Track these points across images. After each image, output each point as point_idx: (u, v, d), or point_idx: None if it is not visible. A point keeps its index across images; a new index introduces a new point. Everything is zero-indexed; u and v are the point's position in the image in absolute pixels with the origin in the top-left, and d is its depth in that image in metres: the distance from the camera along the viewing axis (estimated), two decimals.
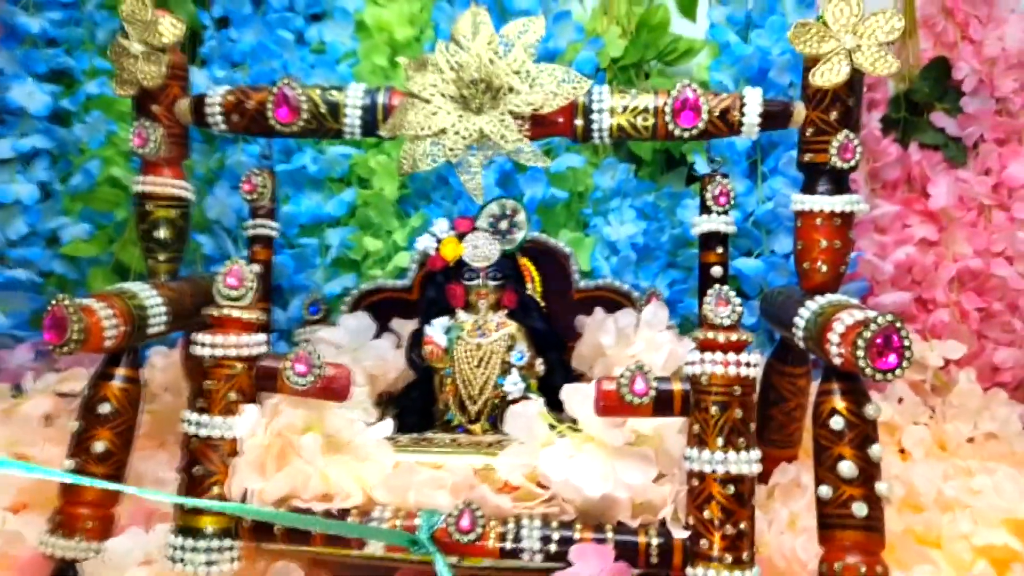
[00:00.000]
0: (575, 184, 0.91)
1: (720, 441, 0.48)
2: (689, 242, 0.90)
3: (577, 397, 0.53)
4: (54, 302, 0.51)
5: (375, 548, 0.50)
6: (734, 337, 0.48)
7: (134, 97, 0.60)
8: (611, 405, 0.49)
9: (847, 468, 0.50)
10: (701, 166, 0.89)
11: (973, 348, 0.82)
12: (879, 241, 0.87)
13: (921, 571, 0.53)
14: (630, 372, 0.49)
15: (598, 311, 0.67)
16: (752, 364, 0.48)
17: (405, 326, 0.69)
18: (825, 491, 0.51)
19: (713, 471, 0.48)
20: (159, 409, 0.77)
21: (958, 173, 0.88)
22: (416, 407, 0.62)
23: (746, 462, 0.48)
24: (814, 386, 0.57)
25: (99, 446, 0.55)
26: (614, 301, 0.72)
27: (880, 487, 0.50)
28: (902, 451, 0.73)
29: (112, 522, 0.55)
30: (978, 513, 0.58)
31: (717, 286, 0.49)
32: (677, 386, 0.49)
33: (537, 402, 0.54)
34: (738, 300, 0.49)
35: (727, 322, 0.48)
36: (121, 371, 0.56)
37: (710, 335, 0.49)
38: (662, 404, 0.49)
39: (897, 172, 0.90)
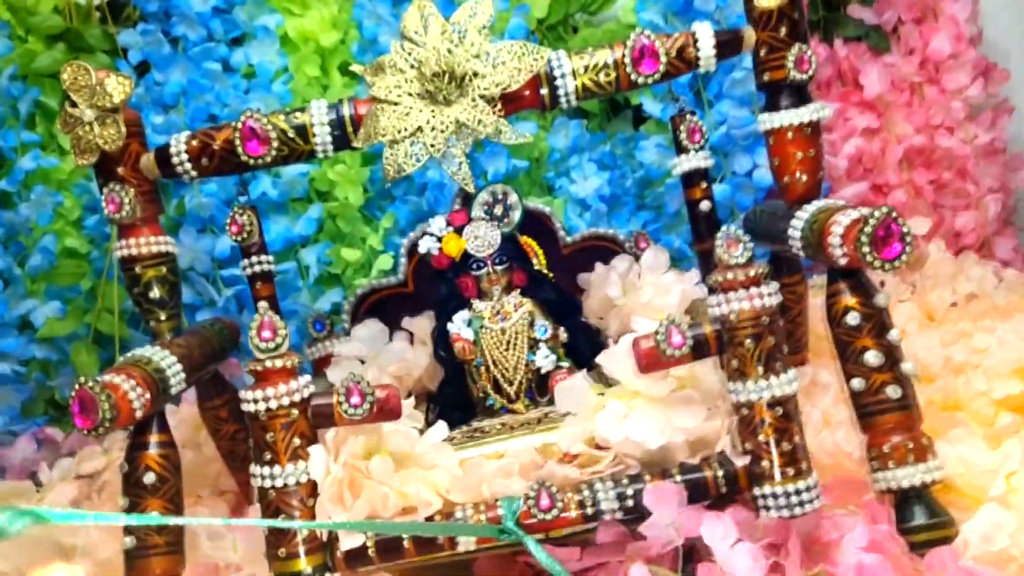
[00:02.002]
0: (532, 151, 0.93)
1: (760, 370, 0.52)
2: (652, 182, 0.93)
3: (617, 360, 0.56)
4: (77, 386, 0.51)
5: (466, 545, 0.52)
6: (752, 273, 0.52)
7: (95, 164, 0.59)
8: (652, 362, 0.52)
9: (873, 357, 0.55)
10: (650, 107, 0.91)
11: (934, 220, 0.88)
12: (827, 140, 0.91)
13: (955, 435, 0.58)
14: (664, 328, 0.52)
15: (598, 266, 0.70)
16: (773, 293, 0.52)
17: (414, 323, 0.71)
18: (858, 383, 0.55)
19: (759, 398, 0.52)
20: (183, 465, 0.77)
21: (884, 59, 0.92)
22: (454, 401, 0.64)
23: (787, 383, 0.52)
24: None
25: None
26: (603, 248, 0.75)
27: (906, 367, 0.55)
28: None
29: None
30: (988, 370, 0.63)
31: (724, 228, 0.52)
32: (709, 330, 0.52)
33: (581, 375, 0.56)
34: (747, 237, 0.52)
35: (742, 260, 0.52)
36: (155, 438, 0.57)
37: (730, 276, 0.52)
38: (699, 349, 0.52)
39: (828, 70, 0.94)
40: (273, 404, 0.52)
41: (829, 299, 0.56)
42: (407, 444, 0.55)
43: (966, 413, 0.61)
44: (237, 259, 0.78)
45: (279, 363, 0.52)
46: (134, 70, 0.89)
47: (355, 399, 0.52)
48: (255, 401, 0.52)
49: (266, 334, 0.52)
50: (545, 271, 0.65)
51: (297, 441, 0.52)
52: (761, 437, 0.52)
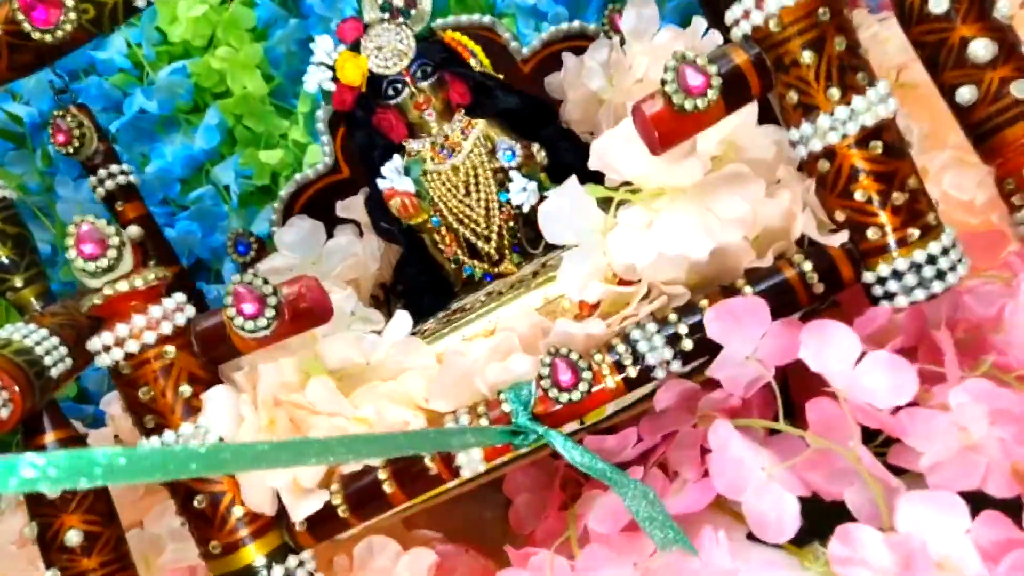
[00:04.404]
0: None
1: (834, 92, 0.33)
2: None
3: (616, 149, 0.37)
4: None
5: (471, 467, 0.36)
6: None
7: None
8: (669, 128, 0.34)
9: (981, 48, 0.36)
10: None
11: None
12: None
13: None
14: (672, 68, 0.33)
15: (567, 58, 0.51)
16: None
17: (350, 205, 0.53)
18: (967, 93, 0.36)
19: (844, 136, 0.33)
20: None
21: None
22: (420, 284, 0.46)
23: (880, 101, 0.33)
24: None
25: (74, 537, 0.40)
26: (576, 51, 0.56)
27: None
28: None
29: None
30: None
31: None
32: (741, 56, 0.34)
33: (568, 183, 0.38)
34: None
35: None
36: (51, 436, 0.41)
37: None
38: (734, 90, 0.34)
39: None
40: (133, 346, 0.35)
41: None
42: (355, 352, 0.38)
43: None
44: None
45: (124, 285, 0.35)
46: None
47: (249, 307, 0.34)
48: (106, 349, 0.35)
49: (89, 248, 0.34)
50: (491, 71, 0.46)
51: (187, 388, 0.35)
52: (859, 195, 0.34)
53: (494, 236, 0.45)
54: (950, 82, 0.37)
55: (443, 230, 0.45)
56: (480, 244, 0.45)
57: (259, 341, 0.35)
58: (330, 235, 0.55)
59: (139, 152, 0.70)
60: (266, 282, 0.35)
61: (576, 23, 0.59)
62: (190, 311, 0.36)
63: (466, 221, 0.45)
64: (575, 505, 0.35)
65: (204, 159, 0.72)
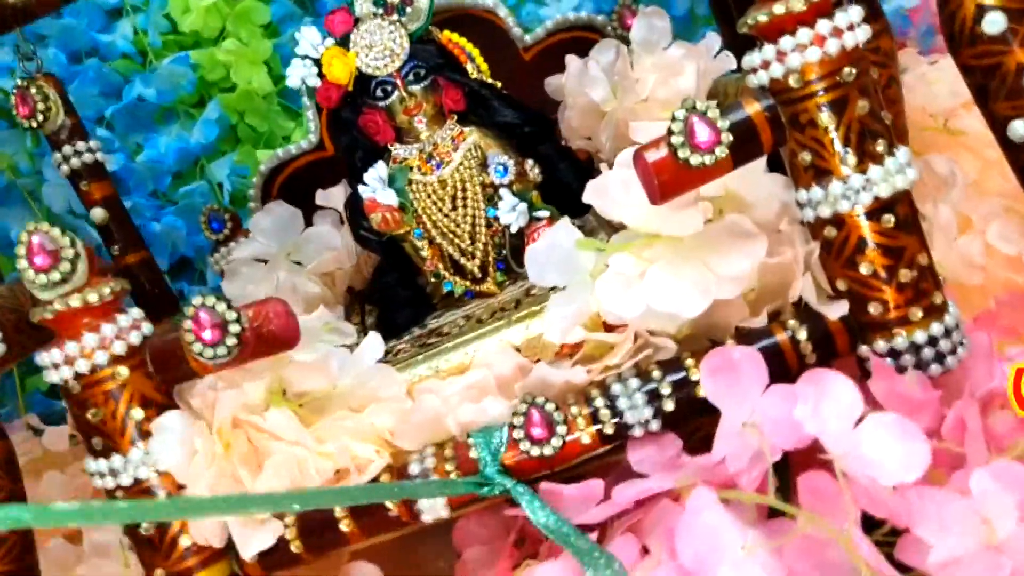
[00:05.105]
0: None
1: (850, 158, 0.31)
2: None
3: (612, 192, 0.35)
4: None
5: (433, 511, 0.34)
6: None
7: None
8: (671, 180, 0.31)
9: None
10: None
11: None
12: None
13: None
14: (681, 119, 0.31)
15: (571, 61, 0.48)
16: (860, 24, 0.30)
17: (332, 195, 0.50)
18: (1020, 128, 0.33)
19: (854, 205, 0.31)
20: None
21: None
22: (397, 296, 0.44)
23: (898, 170, 0.31)
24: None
25: None
26: (582, 42, 0.53)
27: None
28: None
29: None
30: None
31: None
32: (755, 108, 0.31)
33: (561, 223, 0.36)
34: None
35: None
36: None
37: (780, 8, 0.30)
38: (744, 144, 0.31)
39: None
40: (83, 366, 0.33)
41: (945, 8, 0.34)
42: (322, 379, 0.36)
43: None
44: (121, 189, 0.58)
45: (77, 300, 0.32)
46: None
47: (208, 333, 0.32)
48: (55, 366, 0.33)
49: (41, 260, 0.32)
50: (489, 78, 0.43)
51: (139, 412, 0.33)
52: (864, 267, 0.32)
53: (478, 253, 0.43)
54: (1002, 114, 0.34)
55: (425, 243, 0.43)
56: (463, 261, 0.43)
57: (218, 367, 0.33)
58: (310, 217, 0.52)
59: (134, 141, 0.67)
60: (230, 306, 0.33)
61: (584, 14, 0.55)
62: (147, 328, 0.34)
63: (450, 236, 0.43)
64: (533, 566, 0.33)
65: (200, 153, 0.68)
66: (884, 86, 0.44)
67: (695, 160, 0.31)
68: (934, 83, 0.44)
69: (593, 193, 0.35)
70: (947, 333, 0.32)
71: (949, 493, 0.29)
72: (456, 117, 0.43)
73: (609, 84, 0.47)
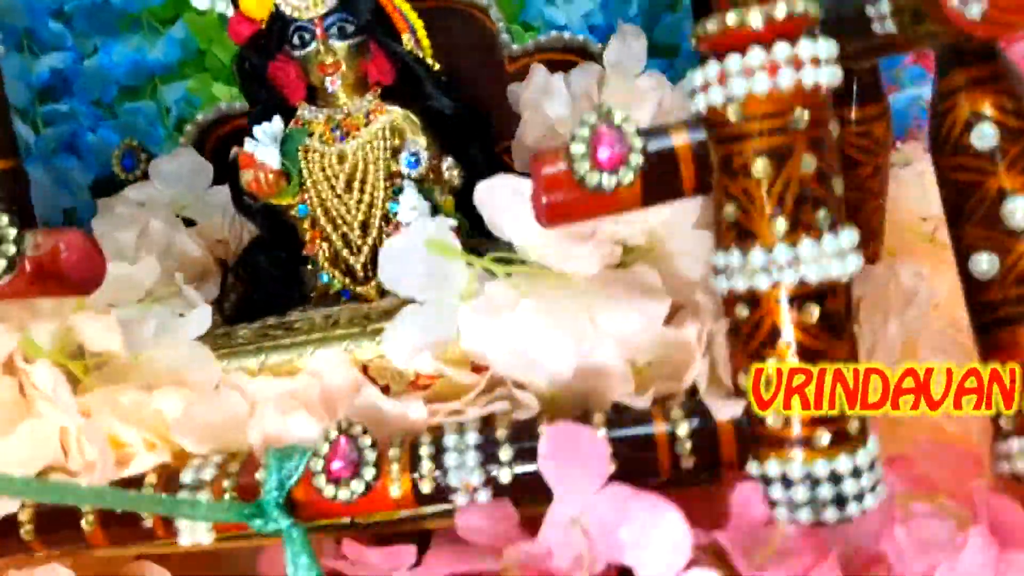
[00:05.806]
0: None
1: (780, 223, 0.25)
2: None
3: (504, 200, 0.29)
4: None
5: (192, 535, 0.28)
6: (781, 13, 0.24)
7: None
8: (563, 201, 0.25)
9: (1020, 211, 0.27)
10: None
11: None
12: None
13: None
14: (588, 128, 0.25)
15: (535, 71, 0.42)
16: (827, 61, 0.24)
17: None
18: (984, 262, 0.28)
19: (774, 284, 0.25)
20: None
21: None
22: (268, 277, 0.38)
23: (836, 253, 0.25)
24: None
25: None
26: (569, 64, 0.47)
27: None
28: None
29: None
30: None
31: None
32: (682, 139, 0.25)
33: (437, 222, 0.30)
34: None
35: None
36: None
37: (732, 20, 0.24)
38: (660, 179, 0.25)
39: None
40: None
41: (940, 105, 0.28)
42: (114, 340, 0.30)
43: None
44: (62, 89, 0.55)
45: None
46: None
47: None
48: None
49: None
50: (428, 57, 0.37)
51: None
52: (771, 362, 0.25)
53: (366, 249, 0.37)
54: (966, 241, 0.29)
55: (308, 223, 0.37)
56: (346, 254, 0.37)
57: None
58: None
59: (92, 44, 0.62)
60: (12, 223, 0.27)
61: (581, 36, 0.50)
62: None
63: (338, 222, 0.37)
64: None
65: (156, 71, 0.63)
66: (869, 175, 0.38)
67: (592, 179, 0.24)
68: (930, 186, 0.38)
69: (482, 195, 0.29)
70: (855, 473, 0.25)
71: None
72: (380, 91, 0.37)
73: (571, 104, 0.42)
